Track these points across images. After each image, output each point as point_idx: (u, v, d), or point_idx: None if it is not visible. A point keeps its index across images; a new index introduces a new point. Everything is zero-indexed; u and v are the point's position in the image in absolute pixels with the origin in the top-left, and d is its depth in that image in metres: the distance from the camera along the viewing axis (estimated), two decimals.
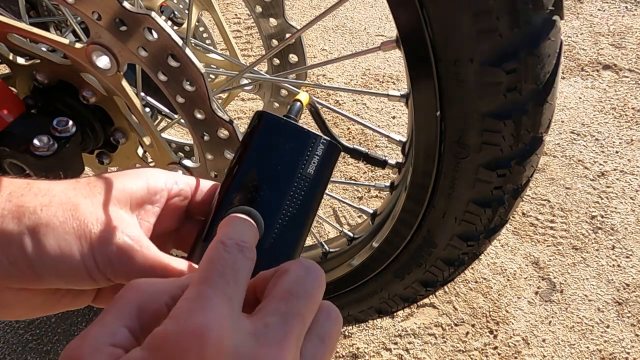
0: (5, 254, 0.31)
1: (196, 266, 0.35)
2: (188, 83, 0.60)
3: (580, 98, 1.72)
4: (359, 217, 1.40)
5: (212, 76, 1.10)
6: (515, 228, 1.38)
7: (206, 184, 0.40)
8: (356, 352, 1.15)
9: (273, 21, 0.93)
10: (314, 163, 0.37)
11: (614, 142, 1.59)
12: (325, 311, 0.30)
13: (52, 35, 0.62)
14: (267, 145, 0.38)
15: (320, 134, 0.39)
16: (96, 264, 0.32)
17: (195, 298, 0.26)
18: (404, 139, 0.73)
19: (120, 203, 0.34)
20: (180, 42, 0.57)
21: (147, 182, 0.36)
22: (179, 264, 0.34)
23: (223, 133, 0.63)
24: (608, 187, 1.47)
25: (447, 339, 1.18)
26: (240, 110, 1.66)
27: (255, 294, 0.31)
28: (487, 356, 1.15)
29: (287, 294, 0.28)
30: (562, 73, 1.80)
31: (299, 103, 0.43)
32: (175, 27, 0.99)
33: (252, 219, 0.35)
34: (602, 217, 1.40)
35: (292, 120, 0.40)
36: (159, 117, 0.91)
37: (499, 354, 1.16)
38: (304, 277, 0.29)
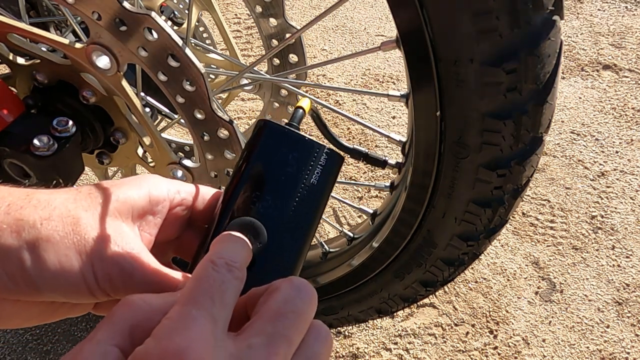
0: (4, 268, 0.30)
1: None
2: (188, 83, 0.60)
3: (580, 98, 1.72)
4: (359, 217, 1.40)
5: (212, 76, 1.10)
6: (515, 228, 1.38)
7: (209, 192, 0.39)
8: (356, 352, 1.15)
9: (273, 21, 0.93)
10: (317, 173, 0.37)
11: (614, 142, 1.59)
12: (314, 330, 0.29)
13: (52, 35, 0.62)
14: (270, 154, 0.37)
15: (323, 143, 0.38)
16: (96, 279, 0.32)
17: (177, 318, 0.26)
18: (404, 139, 0.73)
19: (121, 215, 0.34)
20: (180, 42, 0.57)
21: (149, 191, 0.36)
22: (179, 278, 0.34)
23: (223, 133, 0.63)
24: (608, 187, 1.47)
25: (447, 339, 1.18)
26: (240, 110, 1.66)
27: (246, 311, 0.30)
28: (487, 356, 1.15)
29: (274, 314, 0.28)
30: (562, 73, 1.80)
31: (301, 110, 0.42)
32: (175, 27, 0.99)
33: (255, 229, 0.35)
34: (602, 217, 1.40)
35: (295, 128, 0.40)
36: (159, 117, 0.91)
37: (499, 354, 1.16)
38: (294, 296, 0.28)
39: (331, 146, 0.63)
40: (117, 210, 0.34)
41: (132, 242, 0.33)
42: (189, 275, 0.34)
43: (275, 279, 0.30)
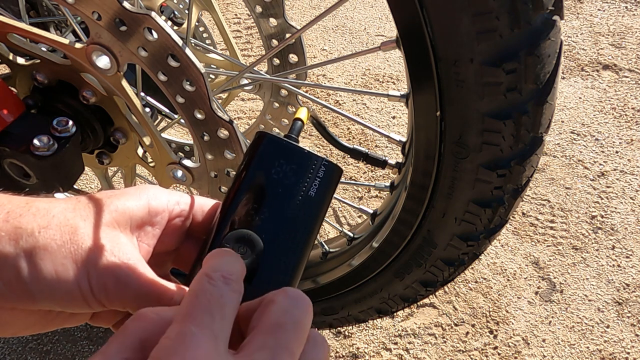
0: (0, 276, 0.30)
1: None
2: (188, 83, 0.60)
3: (580, 98, 1.72)
4: (359, 217, 1.40)
5: (212, 76, 1.10)
6: (515, 228, 1.38)
7: (208, 203, 0.39)
8: (356, 352, 1.15)
9: (273, 21, 0.93)
10: (315, 185, 0.37)
11: (614, 142, 1.59)
12: (311, 340, 0.29)
13: (52, 35, 0.62)
14: (269, 167, 0.37)
15: (322, 155, 0.38)
16: (91, 289, 0.32)
17: (176, 336, 0.25)
18: (404, 139, 0.73)
19: (120, 226, 0.34)
20: (180, 42, 0.57)
21: (149, 202, 0.35)
22: (175, 290, 0.33)
23: (223, 133, 0.63)
24: (608, 187, 1.47)
25: (447, 339, 1.18)
26: (240, 110, 1.66)
27: (239, 327, 0.30)
28: (487, 356, 1.15)
29: (274, 328, 0.27)
30: (562, 73, 1.80)
31: (299, 122, 0.42)
32: (175, 27, 0.99)
33: (252, 242, 0.34)
34: (602, 217, 1.40)
35: (294, 140, 0.40)
36: (159, 117, 0.91)
37: (499, 354, 1.16)
38: (291, 307, 0.28)
39: (329, 154, 0.62)
40: (116, 220, 0.34)
41: (129, 252, 0.33)
42: (185, 287, 0.34)
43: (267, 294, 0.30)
